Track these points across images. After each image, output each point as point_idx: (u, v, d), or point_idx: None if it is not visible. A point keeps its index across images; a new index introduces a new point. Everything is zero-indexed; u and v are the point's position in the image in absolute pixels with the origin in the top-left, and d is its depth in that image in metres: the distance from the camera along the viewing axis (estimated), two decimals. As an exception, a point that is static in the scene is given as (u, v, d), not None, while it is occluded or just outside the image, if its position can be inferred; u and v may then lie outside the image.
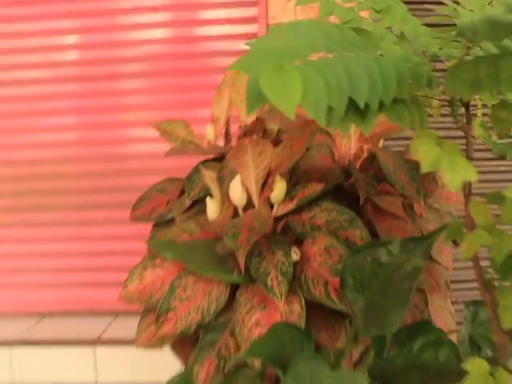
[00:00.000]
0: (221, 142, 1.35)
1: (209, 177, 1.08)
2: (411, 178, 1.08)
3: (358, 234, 0.94)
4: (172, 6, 1.85)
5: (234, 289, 0.93)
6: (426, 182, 1.11)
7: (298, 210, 0.99)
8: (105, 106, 1.90)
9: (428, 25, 0.72)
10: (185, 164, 1.71)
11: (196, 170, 1.19)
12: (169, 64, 1.87)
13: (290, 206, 0.99)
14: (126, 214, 1.28)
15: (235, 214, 1.01)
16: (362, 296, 0.78)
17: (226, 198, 1.05)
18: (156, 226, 1.29)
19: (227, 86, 1.33)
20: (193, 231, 1.09)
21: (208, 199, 1.07)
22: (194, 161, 1.25)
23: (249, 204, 1.00)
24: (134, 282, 0.97)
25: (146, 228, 1.26)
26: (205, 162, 1.22)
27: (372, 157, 1.13)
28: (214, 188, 1.08)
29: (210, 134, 1.32)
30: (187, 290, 0.92)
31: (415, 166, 1.13)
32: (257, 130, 1.25)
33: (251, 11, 1.82)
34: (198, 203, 1.23)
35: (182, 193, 1.26)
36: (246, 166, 0.92)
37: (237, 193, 0.97)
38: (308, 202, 0.98)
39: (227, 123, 1.33)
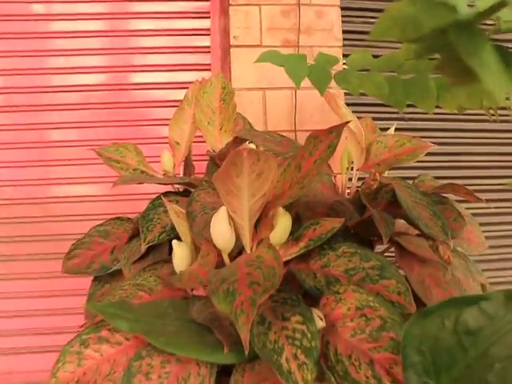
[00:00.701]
0: (179, 173, 1.04)
1: (175, 212, 0.76)
2: (433, 214, 0.83)
3: (394, 286, 0.65)
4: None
5: (224, 372, 0.60)
6: (451, 218, 0.86)
7: (303, 256, 0.70)
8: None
9: None
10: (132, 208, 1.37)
11: (154, 205, 0.87)
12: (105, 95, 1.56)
13: (295, 249, 0.69)
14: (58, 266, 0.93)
15: (218, 262, 0.70)
16: (438, 383, 0.49)
17: (200, 240, 0.74)
18: (96, 280, 0.94)
19: (190, 105, 1.04)
20: (152, 288, 0.76)
21: (175, 243, 0.75)
22: (142, 205, 0.93)
23: (236, 247, 0.69)
24: (67, 367, 0.62)
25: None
26: (165, 195, 0.90)
27: (382, 189, 0.87)
28: (183, 228, 0.77)
29: (167, 162, 1.01)
30: (151, 376, 0.59)
31: (437, 199, 0.88)
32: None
33: (203, 40, 1.57)
34: (155, 250, 0.90)
35: (133, 237, 0.93)
36: (238, 191, 0.62)
37: (223, 231, 0.66)
38: (318, 245, 0.69)
39: (189, 149, 1.03)
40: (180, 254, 0.75)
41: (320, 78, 0.53)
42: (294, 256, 0.69)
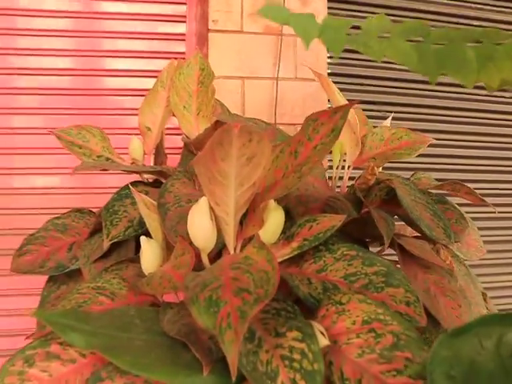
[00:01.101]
0: (149, 162, 0.92)
1: (145, 204, 0.64)
2: (434, 214, 0.73)
3: (402, 295, 0.55)
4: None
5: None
6: (452, 220, 0.77)
7: (295, 258, 0.59)
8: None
9: None
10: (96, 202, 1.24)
11: (120, 196, 0.75)
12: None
13: (287, 250, 0.58)
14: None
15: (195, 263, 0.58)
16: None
17: (174, 237, 0.62)
18: (51, 280, 0.81)
19: (165, 87, 0.91)
20: (115, 292, 0.63)
21: (144, 240, 0.63)
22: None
23: (216, 247, 0.58)
24: (5, 390, 0.49)
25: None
26: (133, 184, 0.78)
27: (377, 185, 0.77)
28: (154, 222, 0.64)
29: (136, 149, 0.89)
30: (111, 403, 0.47)
31: (436, 198, 0.79)
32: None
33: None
34: (120, 247, 0.78)
35: (95, 232, 0.80)
36: (223, 179, 0.51)
37: (203, 227, 0.54)
38: (313, 246, 0.58)
39: (161, 136, 0.91)
40: (149, 253, 0.62)
41: (334, 38, 0.42)
42: (285, 258, 0.58)
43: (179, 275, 0.54)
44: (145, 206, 0.64)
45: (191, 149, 0.83)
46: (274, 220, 0.55)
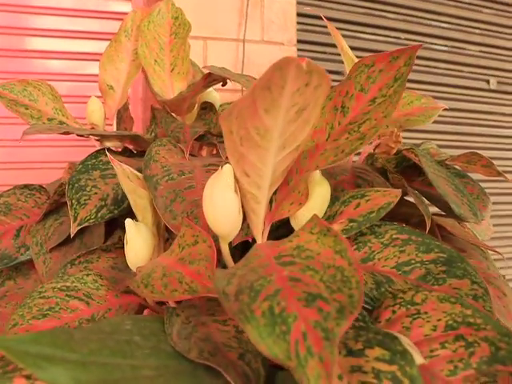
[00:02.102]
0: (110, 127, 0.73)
1: (127, 176, 0.46)
2: (456, 189, 0.62)
3: (467, 288, 0.42)
4: None
5: None
6: (473, 195, 0.66)
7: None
8: None
9: None
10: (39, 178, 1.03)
11: (86, 167, 0.56)
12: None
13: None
14: None
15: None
16: None
17: (170, 219, 0.45)
18: (-10, 278, 0.61)
19: (129, 38, 0.72)
20: (91, 294, 0.46)
21: (130, 223, 0.45)
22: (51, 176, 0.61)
23: (240, 233, 0.42)
24: None
25: None
26: (100, 153, 0.59)
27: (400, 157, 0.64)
28: (141, 200, 0.47)
29: (95, 111, 0.69)
30: None
31: (454, 171, 0.68)
32: (193, 101, 0.67)
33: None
34: (85, 232, 0.60)
35: (49, 213, 0.61)
36: (262, 138, 0.35)
37: (227, 206, 0.38)
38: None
39: (127, 97, 0.72)
40: (138, 241, 0.45)
41: None
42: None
43: (194, 273, 0.38)
44: (127, 179, 0.46)
45: (168, 110, 0.65)
46: (319, 196, 0.40)
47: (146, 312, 0.48)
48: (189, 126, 0.61)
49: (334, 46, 1.31)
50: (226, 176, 0.38)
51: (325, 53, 1.31)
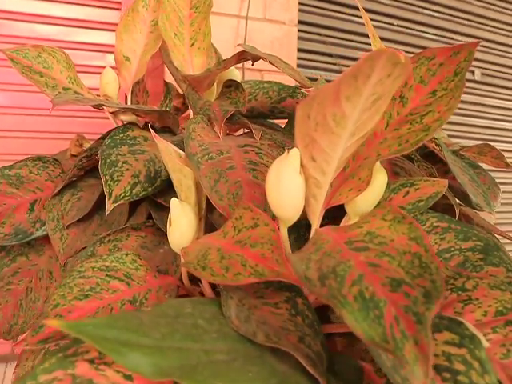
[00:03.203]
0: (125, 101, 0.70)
1: (170, 153, 0.45)
2: (471, 179, 0.63)
3: (504, 275, 0.44)
4: None
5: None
6: (485, 186, 0.68)
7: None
8: None
9: None
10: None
11: (114, 141, 0.53)
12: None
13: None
14: None
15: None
16: None
17: (217, 200, 0.44)
18: (3, 251, 0.58)
19: (148, 8, 0.69)
20: (131, 274, 0.44)
21: (176, 203, 0.44)
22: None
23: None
24: None
25: None
26: (128, 128, 0.56)
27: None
28: (186, 180, 0.45)
29: (110, 83, 0.66)
30: None
31: (468, 161, 0.69)
32: (214, 78, 0.65)
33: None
34: (102, 208, 0.58)
35: (66, 187, 0.58)
36: (337, 124, 0.34)
37: (293, 189, 0.37)
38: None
39: (144, 70, 0.69)
40: (184, 221, 0.44)
41: None
42: (370, 231, 0.43)
43: (258, 256, 0.37)
44: (173, 158, 0.44)
45: (192, 85, 0.62)
46: (378, 183, 0.40)
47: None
48: (217, 105, 0.59)
49: (332, 28, 1.30)
50: (293, 160, 0.37)
51: (319, 35, 1.30)
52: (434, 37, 1.43)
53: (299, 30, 1.16)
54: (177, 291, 0.46)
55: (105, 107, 0.65)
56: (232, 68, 0.67)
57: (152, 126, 0.63)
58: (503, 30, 1.60)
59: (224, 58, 0.97)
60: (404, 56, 0.31)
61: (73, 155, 0.69)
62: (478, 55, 1.49)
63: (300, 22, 1.17)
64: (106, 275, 0.43)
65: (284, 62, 0.64)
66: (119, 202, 0.48)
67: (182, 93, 0.81)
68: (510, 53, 1.64)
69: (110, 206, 0.47)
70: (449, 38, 1.46)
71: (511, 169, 0.69)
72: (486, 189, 0.67)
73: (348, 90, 0.33)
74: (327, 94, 0.33)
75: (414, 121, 0.39)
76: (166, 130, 0.60)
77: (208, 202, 0.48)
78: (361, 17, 1.34)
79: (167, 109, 0.69)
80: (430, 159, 0.67)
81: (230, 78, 0.66)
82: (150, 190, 0.50)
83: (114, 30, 1.11)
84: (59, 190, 0.57)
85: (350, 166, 0.41)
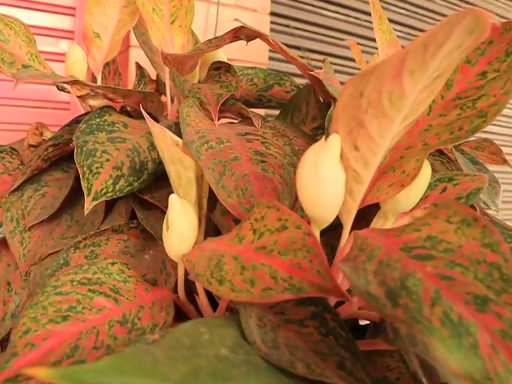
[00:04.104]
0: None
1: (167, 140, 0.36)
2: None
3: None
4: None
5: None
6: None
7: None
8: None
9: None
10: None
11: (90, 128, 0.43)
12: None
13: (407, 221, 0.37)
14: None
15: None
16: None
17: (226, 197, 0.36)
18: None
19: (120, -24, 0.59)
20: (118, 288, 0.35)
21: (176, 200, 0.35)
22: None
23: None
24: None
25: None
26: (105, 111, 0.46)
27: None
28: (187, 172, 0.37)
29: (78, 62, 0.56)
30: None
31: (469, 156, 0.65)
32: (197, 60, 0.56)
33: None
34: (73, 206, 0.48)
35: (27, 181, 0.48)
36: (391, 106, 0.27)
37: (334, 186, 0.30)
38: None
39: (117, 49, 0.59)
40: (185, 223, 0.35)
41: None
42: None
43: (291, 266, 0.29)
44: (171, 145, 0.36)
45: (171, 64, 0.54)
46: (422, 178, 0.33)
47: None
48: (207, 88, 0.50)
49: (301, 20, 1.24)
50: (334, 148, 0.30)
51: (288, 26, 1.23)
52: (401, 34, 1.41)
53: (270, 22, 1.09)
54: (174, 307, 0.37)
55: (72, 90, 0.55)
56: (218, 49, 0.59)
57: (128, 111, 0.54)
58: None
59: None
60: (492, 22, 0.25)
61: (31, 145, 0.58)
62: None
63: (271, 14, 1.11)
64: (89, 290, 0.34)
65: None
66: (100, 200, 0.39)
67: (154, 78, 0.71)
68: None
69: (89, 205, 0.38)
70: (414, 35, 1.44)
71: (508, 165, 0.65)
72: (488, 186, 0.63)
73: (414, 62, 0.26)
74: (390, 67, 0.26)
75: (464, 105, 0.33)
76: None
77: (208, 198, 0.40)
78: (330, 10, 1.29)
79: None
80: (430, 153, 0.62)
81: (216, 59, 0.58)
82: (135, 184, 0.42)
83: (69, 14, 1.00)
84: (19, 184, 0.47)
85: (388, 158, 0.34)
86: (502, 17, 1.75)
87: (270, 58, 1.11)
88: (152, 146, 0.45)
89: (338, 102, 0.29)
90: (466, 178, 0.38)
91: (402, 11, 1.40)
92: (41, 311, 0.32)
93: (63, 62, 0.97)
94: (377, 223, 0.36)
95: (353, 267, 0.27)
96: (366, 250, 0.29)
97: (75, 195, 0.49)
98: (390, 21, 1.40)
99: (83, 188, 0.39)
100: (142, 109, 0.37)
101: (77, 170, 0.48)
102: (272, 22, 1.11)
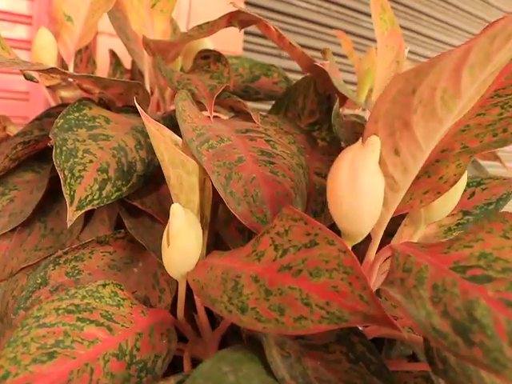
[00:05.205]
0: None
1: (166, 141, 0.31)
2: (475, 175, 0.56)
3: None
4: None
5: None
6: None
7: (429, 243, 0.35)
8: None
9: None
10: None
11: (68, 123, 0.37)
12: None
13: (432, 229, 0.33)
14: None
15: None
16: None
17: (236, 205, 0.31)
18: None
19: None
20: (111, 314, 0.30)
21: (179, 210, 0.30)
22: None
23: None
24: None
25: None
26: (83, 104, 0.40)
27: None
28: (189, 177, 0.31)
29: (47, 47, 0.49)
30: None
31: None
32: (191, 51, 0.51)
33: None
34: (46, 211, 0.42)
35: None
36: (443, 105, 0.23)
37: (374, 196, 0.25)
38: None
39: (92, 34, 0.52)
40: (190, 237, 0.30)
41: None
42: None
43: (326, 291, 0.24)
44: (171, 146, 0.30)
45: (153, 52, 0.47)
46: (459, 185, 0.29)
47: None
48: (197, 79, 0.45)
49: (274, 10, 1.19)
50: (374, 153, 0.25)
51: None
52: (371, 25, 1.38)
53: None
54: (176, 332, 0.32)
55: (40, 79, 0.48)
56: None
57: (106, 104, 0.47)
58: (437, 25, 1.62)
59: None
60: None
61: (-8, 141, 0.50)
62: (411, 48, 1.48)
63: (246, 3, 1.05)
64: (78, 319, 0.28)
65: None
66: (86, 209, 0.33)
67: (128, 68, 0.64)
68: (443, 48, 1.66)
69: (72, 215, 0.32)
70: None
71: (499, 162, 0.63)
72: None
73: (477, 56, 0.22)
74: (450, 61, 0.22)
75: (505, 104, 0.29)
76: (130, 110, 0.45)
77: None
78: (305, 1, 1.24)
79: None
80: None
81: (202, 47, 0.52)
82: (124, 189, 0.36)
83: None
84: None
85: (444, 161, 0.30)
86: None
87: (245, 49, 1.05)
88: (140, 145, 0.39)
89: (380, 99, 0.25)
90: (495, 181, 0.34)
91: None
92: (21, 349, 0.26)
93: (21, 48, 0.88)
94: (403, 234, 0.32)
95: (405, 294, 0.23)
96: (412, 270, 0.25)
97: (49, 199, 0.42)
98: (360, 12, 1.37)
99: (65, 195, 0.32)
100: (136, 103, 0.31)
101: (50, 170, 0.42)
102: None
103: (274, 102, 0.54)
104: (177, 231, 0.30)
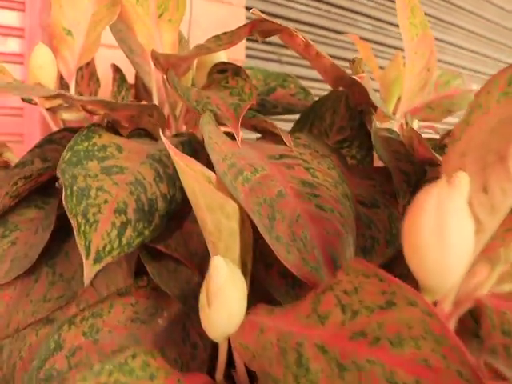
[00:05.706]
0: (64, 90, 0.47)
1: (202, 177, 0.26)
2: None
3: None
4: None
5: None
6: None
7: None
8: None
9: None
10: None
11: (77, 156, 0.32)
12: None
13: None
14: None
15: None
16: None
17: (286, 254, 0.26)
18: None
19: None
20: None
21: (221, 263, 0.25)
22: None
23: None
24: None
25: None
26: (93, 130, 0.35)
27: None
28: (229, 222, 0.26)
29: (44, 67, 0.44)
30: None
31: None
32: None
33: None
34: (57, 255, 0.37)
35: None
36: None
37: (467, 244, 0.21)
38: None
39: (94, 49, 0.47)
40: (235, 294, 0.25)
41: None
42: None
43: (414, 364, 0.20)
44: (207, 187, 0.25)
45: (163, 67, 0.42)
46: None
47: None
48: (217, 97, 0.40)
49: (275, 15, 1.14)
50: (463, 194, 0.20)
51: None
52: (370, 27, 1.34)
53: (247, 18, 0.98)
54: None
55: (39, 101, 0.43)
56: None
57: (114, 128, 0.42)
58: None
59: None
60: None
61: (-13, 171, 0.45)
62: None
63: (247, 8, 1.00)
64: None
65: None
66: (105, 262, 0.28)
67: (132, 83, 0.59)
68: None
69: (90, 271, 0.27)
70: (384, 28, 1.38)
71: None
72: None
73: None
74: None
75: None
76: (142, 133, 0.40)
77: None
78: (296, 2, 1.20)
79: (124, 101, 0.48)
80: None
81: (217, 60, 0.47)
82: (146, 233, 0.31)
83: (19, 9, 0.84)
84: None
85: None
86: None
87: (248, 56, 1.01)
88: (159, 177, 0.34)
89: (472, 130, 0.20)
90: None
91: (371, 3, 1.33)
92: None
93: (14, 63, 0.83)
94: (476, 273, 0.28)
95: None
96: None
97: (56, 239, 0.37)
98: (357, 13, 1.33)
99: (79, 246, 0.27)
100: (162, 136, 0.26)
101: (57, 205, 0.37)
102: (248, 18, 1.00)
103: (293, 117, 0.49)
104: (219, 289, 0.25)
